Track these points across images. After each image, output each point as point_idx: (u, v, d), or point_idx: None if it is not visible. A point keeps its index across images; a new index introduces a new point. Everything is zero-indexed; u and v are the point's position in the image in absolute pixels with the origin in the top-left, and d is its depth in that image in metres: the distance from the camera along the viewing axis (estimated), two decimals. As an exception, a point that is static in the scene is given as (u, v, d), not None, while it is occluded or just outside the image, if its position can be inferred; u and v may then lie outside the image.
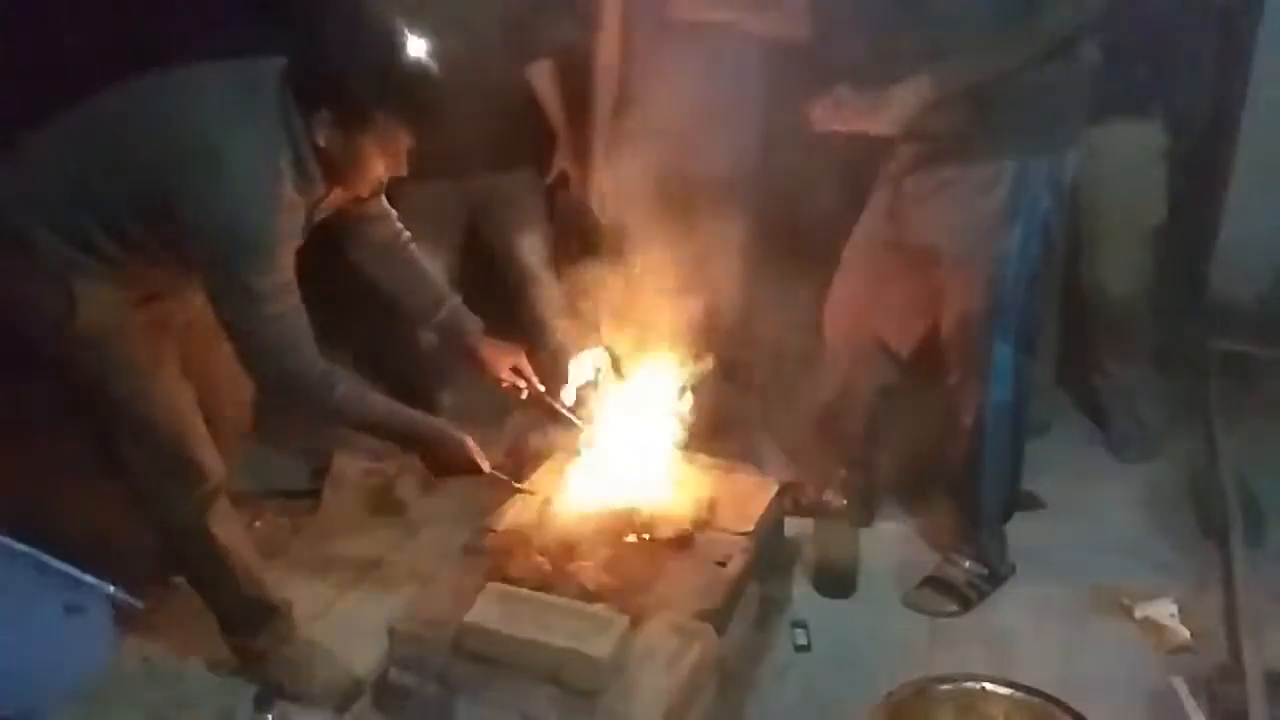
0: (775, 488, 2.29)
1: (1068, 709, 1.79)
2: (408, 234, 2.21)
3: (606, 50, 2.72)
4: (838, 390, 2.63)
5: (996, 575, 2.48)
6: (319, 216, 1.98)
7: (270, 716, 2.07)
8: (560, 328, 2.88)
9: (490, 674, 1.76)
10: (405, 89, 1.85)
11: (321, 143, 1.84)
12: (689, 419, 2.30)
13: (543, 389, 2.25)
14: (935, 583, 2.47)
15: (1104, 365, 3.03)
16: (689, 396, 2.30)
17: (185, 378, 2.05)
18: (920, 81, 2.07)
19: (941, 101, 2.08)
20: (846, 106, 2.12)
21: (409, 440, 2.06)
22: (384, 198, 2.13)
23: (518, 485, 2.20)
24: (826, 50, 2.41)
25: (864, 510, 2.69)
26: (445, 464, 2.06)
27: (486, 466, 2.07)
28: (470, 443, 2.05)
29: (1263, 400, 3.07)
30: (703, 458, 2.35)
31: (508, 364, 2.23)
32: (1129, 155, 2.71)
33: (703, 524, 2.11)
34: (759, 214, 2.74)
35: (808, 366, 2.73)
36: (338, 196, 1.97)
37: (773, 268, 2.75)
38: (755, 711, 2.13)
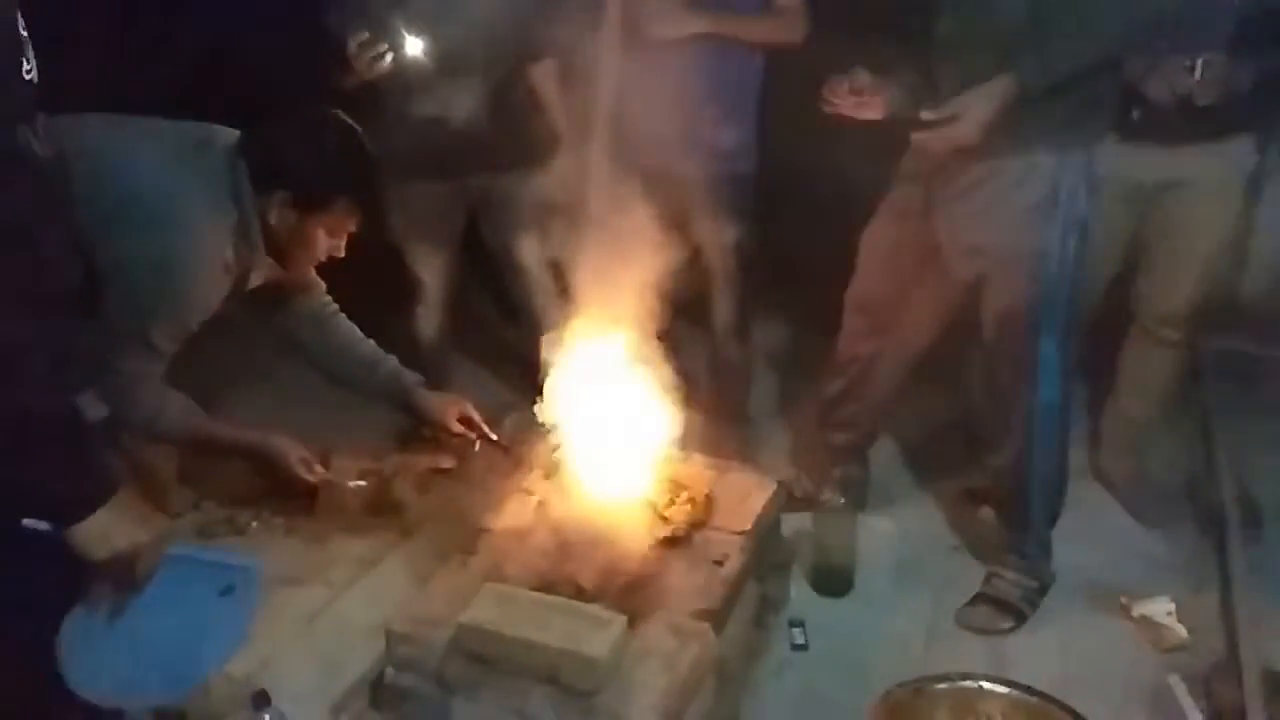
0: (773, 486, 2.28)
1: (1065, 707, 1.80)
2: (334, 305, 2.22)
3: (606, 51, 2.72)
4: (848, 383, 2.62)
5: (1044, 585, 2.43)
6: (251, 285, 2.00)
7: (267, 717, 2.07)
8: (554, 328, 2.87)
9: (487, 674, 1.76)
10: (367, 178, 1.91)
11: (273, 221, 1.88)
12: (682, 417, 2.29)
13: (495, 438, 2.22)
14: (987, 599, 2.40)
15: (1120, 400, 2.84)
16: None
17: None
18: (1000, 83, 1.99)
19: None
20: (876, 103, 2.16)
21: (237, 454, 2.09)
22: (312, 269, 2.13)
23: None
24: (825, 50, 2.41)
25: (857, 498, 2.68)
26: (281, 479, 2.08)
27: (311, 476, 2.09)
28: (292, 454, 2.07)
29: (1262, 400, 3.07)
30: (700, 456, 2.34)
31: (454, 414, 2.21)
32: (1220, 174, 2.52)
33: (700, 523, 2.11)
34: (755, 213, 2.74)
35: (805, 363, 2.73)
36: (273, 269, 1.99)
37: (769, 265, 2.75)
38: (753, 710, 2.13)
